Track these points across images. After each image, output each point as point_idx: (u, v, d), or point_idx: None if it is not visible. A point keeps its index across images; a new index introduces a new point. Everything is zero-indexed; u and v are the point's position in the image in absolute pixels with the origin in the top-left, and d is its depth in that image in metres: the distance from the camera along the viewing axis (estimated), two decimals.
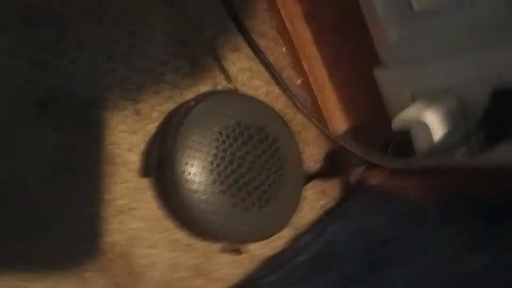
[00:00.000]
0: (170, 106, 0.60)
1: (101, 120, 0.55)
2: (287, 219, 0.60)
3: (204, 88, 0.63)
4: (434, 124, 0.58)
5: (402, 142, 0.60)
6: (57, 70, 0.53)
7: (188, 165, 0.53)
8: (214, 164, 0.54)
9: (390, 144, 0.60)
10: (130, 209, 0.55)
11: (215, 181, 0.54)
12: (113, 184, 0.55)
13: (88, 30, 0.56)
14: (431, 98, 0.60)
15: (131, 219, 0.55)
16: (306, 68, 0.71)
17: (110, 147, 0.55)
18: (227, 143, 0.55)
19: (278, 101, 0.69)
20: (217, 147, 0.54)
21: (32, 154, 0.50)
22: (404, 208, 0.67)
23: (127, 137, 0.56)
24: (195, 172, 0.53)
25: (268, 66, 0.57)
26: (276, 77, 0.57)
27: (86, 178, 0.53)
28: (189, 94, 0.62)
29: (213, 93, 0.60)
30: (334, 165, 0.73)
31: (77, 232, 0.52)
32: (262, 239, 0.61)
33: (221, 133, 0.55)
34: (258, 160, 0.57)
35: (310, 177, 0.65)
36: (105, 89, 0.56)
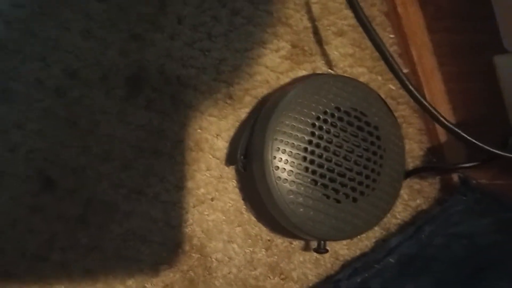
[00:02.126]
0: (264, 90, 0.52)
1: (192, 102, 0.48)
2: (382, 216, 0.49)
3: (302, 73, 0.54)
4: None
5: None
6: (154, 46, 0.46)
7: (280, 151, 0.44)
8: (308, 151, 0.45)
9: (511, 137, 0.48)
10: (212, 198, 0.48)
11: (307, 169, 0.45)
12: (196, 171, 0.47)
13: (190, 4, 0.48)
14: None
15: (211, 209, 0.48)
16: (415, 57, 0.59)
17: (198, 131, 0.48)
18: (324, 128, 0.45)
19: (380, 90, 0.58)
20: (312, 133, 0.45)
21: (118, 132, 0.44)
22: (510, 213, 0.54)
23: (217, 121, 0.48)
24: (286, 159, 0.44)
25: (378, 44, 0.46)
26: (387, 56, 0.46)
27: (169, 162, 0.46)
28: (286, 79, 0.53)
29: (312, 76, 0.51)
30: (435, 162, 0.61)
31: (154, 221, 0.45)
32: (351, 237, 0.51)
33: (318, 118, 0.45)
34: (356, 149, 0.47)
35: (412, 171, 0.54)
36: (199, 69, 0.48)
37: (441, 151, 0.61)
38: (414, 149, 0.60)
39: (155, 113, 0.46)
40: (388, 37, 0.60)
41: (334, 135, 0.46)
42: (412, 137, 0.60)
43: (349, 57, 0.57)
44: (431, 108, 0.46)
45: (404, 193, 0.59)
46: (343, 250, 0.55)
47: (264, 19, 0.52)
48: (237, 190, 0.49)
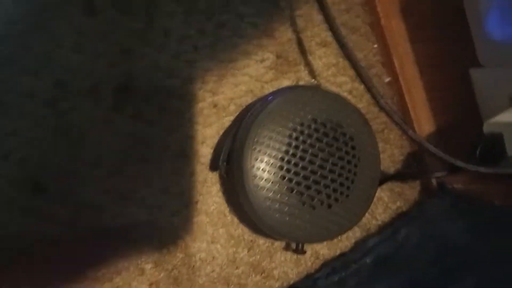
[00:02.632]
0: (248, 99, 0.53)
1: (178, 111, 0.49)
2: (356, 221, 0.51)
3: (286, 82, 0.55)
4: None
5: (493, 146, 0.48)
6: (142, 58, 0.48)
7: (258, 160, 0.45)
8: (285, 160, 0.46)
9: (479, 147, 0.49)
10: (197, 202, 0.50)
11: (284, 178, 0.46)
12: (182, 176, 0.49)
13: (177, 19, 0.50)
14: None
15: (196, 212, 0.49)
16: (397, 66, 0.60)
17: (184, 138, 0.49)
18: (300, 139, 0.47)
19: (363, 98, 0.59)
20: (289, 143, 0.46)
21: (106, 140, 0.46)
22: (487, 214, 0.55)
23: (202, 129, 0.50)
24: (264, 167, 0.45)
25: (351, 57, 0.47)
26: (360, 72, 0.47)
27: (156, 168, 0.48)
28: (270, 88, 0.54)
29: (292, 88, 0.52)
30: (415, 167, 0.62)
31: (140, 223, 0.47)
32: (326, 240, 0.53)
33: (295, 129, 0.47)
34: (331, 158, 0.48)
35: (386, 178, 0.55)
36: (186, 79, 0.50)
37: (421, 155, 0.62)
38: (395, 154, 0.61)
39: (142, 122, 0.48)
40: (371, 47, 0.61)
41: (310, 145, 0.47)
42: (394, 142, 0.61)
43: (332, 66, 0.58)
44: (398, 120, 0.46)
45: (384, 195, 0.61)
46: (323, 249, 0.56)
47: (249, 31, 0.53)
48: (220, 194, 0.51)
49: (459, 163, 0.45)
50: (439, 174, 0.53)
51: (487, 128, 0.50)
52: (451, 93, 0.60)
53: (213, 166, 0.50)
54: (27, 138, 0.43)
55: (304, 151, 0.47)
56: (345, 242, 0.57)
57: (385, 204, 0.60)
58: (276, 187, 0.46)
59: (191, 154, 0.49)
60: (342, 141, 0.49)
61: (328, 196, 0.48)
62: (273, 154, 0.46)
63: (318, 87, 0.56)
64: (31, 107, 0.44)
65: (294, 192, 0.46)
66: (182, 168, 0.49)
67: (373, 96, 0.47)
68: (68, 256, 0.44)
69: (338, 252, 0.57)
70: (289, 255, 0.54)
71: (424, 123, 0.61)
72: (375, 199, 0.59)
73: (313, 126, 0.48)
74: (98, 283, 0.45)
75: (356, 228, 0.58)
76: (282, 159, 0.46)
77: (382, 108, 0.47)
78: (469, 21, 0.52)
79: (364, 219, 0.58)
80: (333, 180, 0.48)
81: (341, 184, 0.48)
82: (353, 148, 0.49)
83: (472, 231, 0.51)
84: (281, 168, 0.46)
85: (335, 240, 0.56)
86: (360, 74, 0.47)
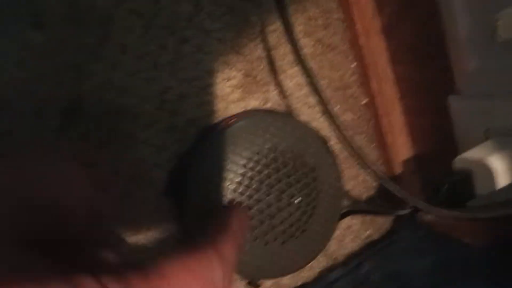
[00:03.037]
0: (211, 120, 0.50)
1: (131, 132, 0.46)
2: (312, 257, 0.48)
3: (253, 103, 0.52)
4: (500, 171, 0.44)
5: (461, 184, 0.46)
6: (93, 76, 0.45)
7: (209, 190, 0.43)
8: (237, 192, 0.44)
9: (445, 185, 0.46)
10: (148, 229, 0.47)
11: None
12: (134, 201, 0.46)
13: (136, 34, 0.47)
14: (506, 139, 0.45)
15: (145, 240, 0.47)
16: (374, 88, 0.57)
17: (137, 162, 0.47)
18: (255, 169, 0.44)
19: (337, 119, 0.56)
20: (242, 174, 0.44)
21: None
22: (453, 253, 0.53)
23: (157, 152, 0.47)
24: (214, 198, 0.43)
25: (314, 85, 0.44)
26: (324, 104, 0.45)
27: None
28: (236, 109, 0.51)
29: (253, 113, 0.49)
30: (388, 194, 0.59)
31: None
32: (278, 276, 0.50)
33: (250, 159, 0.44)
34: (289, 190, 0.45)
35: (350, 211, 0.53)
36: (142, 99, 0.47)
37: (397, 181, 0.59)
38: (368, 180, 0.59)
39: (90, 144, 0.45)
40: (349, 67, 0.57)
41: (267, 176, 0.45)
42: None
43: (305, 86, 0.55)
44: (357, 157, 0.44)
45: (355, 223, 0.58)
46: (284, 280, 0.54)
47: (216, 47, 0.50)
48: (175, 221, 0.48)
49: (421, 204, 0.42)
50: (402, 213, 0.50)
51: (458, 163, 0.47)
52: (431, 119, 0.57)
53: (168, 192, 0.48)
54: None
55: (260, 182, 0.44)
56: (308, 272, 0.55)
57: (355, 232, 0.58)
58: None
59: (145, 179, 0.47)
60: (302, 172, 0.46)
61: (283, 231, 0.45)
62: (226, 185, 0.43)
63: (286, 111, 0.53)
64: None
65: None
66: (134, 193, 0.47)
67: (334, 124, 0.44)
68: None
69: (300, 282, 0.54)
70: (247, 286, 0.52)
71: (401, 148, 0.58)
72: (344, 227, 0.57)
73: (271, 155, 0.45)
74: None
75: (321, 258, 0.56)
76: (234, 190, 0.43)
77: (342, 137, 0.44)
78: (448, 46, 0.49)
79: (331, 248, 0.56)
80: (290, 214, 0.46)
81: (298, 219, 0.46)
82: (313, 179, 0.47)
83: (437, 271, 0.48)
84: (232, 201, 0.43)
85: (298, 271, 0.54)
86: (323, 103, 0.44)
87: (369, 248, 0.56)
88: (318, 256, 0.55)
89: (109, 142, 0.46)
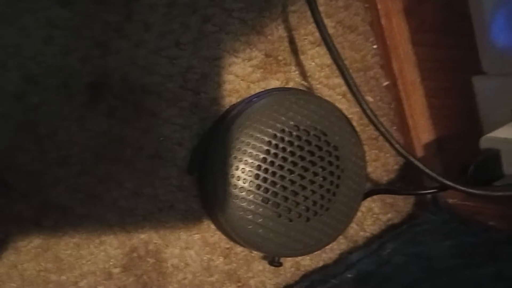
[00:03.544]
0: (233, 99, 0.50)
1: (155, 110, 0.47)
2: (335, 236, 0.48)
3: (274, 83, 0.52)
4: None
5: (488, 164, 0.45)
6: (118, 53, 0.46)
7: (233, 167, 0.43)
8: (262, 169, 0.44)
9: (471, 165, 0.46)
10: (171, 206, 0.48)
11: (260, 187, 0.44)
12: (157, 179, 0.47)
13: (159, 12, 0.47)
14: None
15: (170, 217, 0.47)
16: (396, 70, 0.57)
17: (161, 139, 0.47)
18: (279, 146, 0.44)
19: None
20: (267, 151, 0.44)
21: (77, 138, 0.44)
22: (477, 236, 0.52)
23: (180, 130, 0.48)
24: (239, 175, 0.43)
25: (336, 60, 0.44)
26: (345, 76, 0.44)
27: (129, 169, 0.46)
28: (257, 89, 0.51)
29: (275, 91, 0.49)
30: (409, 178, 0.59)
31: (109, 225, 0.45)
32: (301, 254, 0.50)
33: (274, 136, 0.44)
34: (313, 168, 0.45)
35: (371, 192, 0.52)
36: (165, 77, 0.47)
37: (416, 167, 0.59)
38: (389, 162, 0.59)
39: (116, 120, 0.46)
40: (370, 48, 0.57)
41: (291, 154, 0.45)
42: (388, 150, 0.58)
43: (326, 67, 0.55)
44: (385, 132, 0.43)
45: (375, 206, 0.58)
46: (305, 261, 0.54)
47: (237, 27, 0.51)
48: (197, 199, 0.49)
49: (448, 182, 0.42)
50: (427, 191, 0.50)
51: (484, 143, 0.47)
52: (453, 101, 0.56)
53: (191, 170, 0.48)
54: None
55: (284, 159, 0.44)
56: (329, 253, 0.55)
57: (375, 215, 0.58)
58: (251, 196, 0.43)
59: (167, 156, 0.47)
60: (326, 150, 0.46)
61: (307, 209, 0.45)
62: (250, 162, 0.43)
63: (308, 90, 0.53)
64: None
65: (270, 203, 0.44)
66: (156, 170, 0.47)
67: (358, 102, 0.44)
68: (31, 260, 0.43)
69: (320, 264, 0.54)
70: (268, 264, 0.52)
71: (423, 131, 0.58)
72: (364, 210, 0.57)
73: (294, 133, 0.45)
74: (62, 287, 0.44)
75: (342, 240, 0.56)
76: (259, 167, 0.44)
77: (366, 116, 0.44)
78: (474, 25, 0.49)
79: (351, 231, 0.56)
80: (313, 192, 0.45)
81: (322, 197, 0.46)
82: (337, 158, 0.47)
83: (460, 254, 0.48)
84: (257, 177, 0.44)
85: (319, 252, 0.54)
86: (346, 80, 0.44)
87: (390, 231, 0.56)
88: (339, 238, 0.55)
89: (134, 119, 0.46)
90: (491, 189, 0.42)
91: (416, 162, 0.43)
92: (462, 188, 0.41)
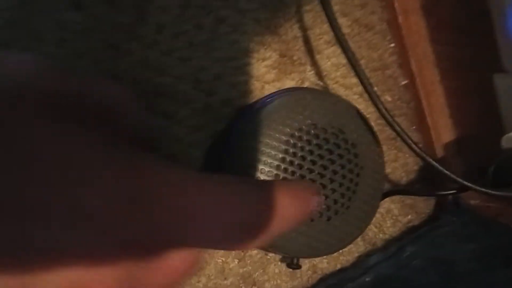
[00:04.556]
0: (247, 100, 0.50)
1: (167, 111, 0.47)
2: (357, 235, 0.47)
3: (289, 83, 0.52)
4: None
5: (509, 164, 0.44)
6: (129, 55, 0.46)
7: (251, 168, 0.43)
8: (281, 168, 0.43)
9: (492, 165, 0.44)
10: None
11: None
12: None
13: (172, 13, 0.47)
14: None
15: None
16: (414, 68, 0.56)
17: (173, 141, 0.47)
18: (298, 145, 0.43)
19: None
20: (285, 150, 0.43)
21: None
22: (499, 240, 0.51)
23: (192, 132, 0.47)
24: (258, 176, 0.43)
25: (350, 57, 0.43)
26: (360, 76, 0.44)
27: None
28: (272, 89, 0.51)
29: (291, 90, 0.48)
30: (428, 179, 0.58)
31: None
32: (323, 254, 0.49)
33: (292, 135, 0.43)
34: (331, 166, 0.44)
35: (391, 192, 0.51)
36: (177, 78, 0.47)
37: (435, 168, 0.57)
38: (409, 163, 0.57)
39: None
40: (388, 47, 0.56)
41: (309, 152, 0.44)
42: (408, 151, 0.57)
43: (342, 67, 0.54)
44: (402, 132, 0.42)
45: (394, 207, 0.57)
46: (322, 263, 0.53)
47: (251, 27, 0.50)
48: None
49: (467, 183, 0.41)
50: (447, 193, 0.48)
51: (506, 143, 0.45)
52: (474, 100, 0.55)
53: (205, 172, 0.47)
54: None
55: (302, 158, 0.44)
56: (347, 256, 0.54)
57: (395, 217, 0.56)
58: None
59: (181, 158, 0.47)
60: (344, 147, 0.45)
61: (328, 208, 0.44)
62: (269, 162, 0.43)
63: (324, 89, 0.53)
64: None
65: None
66: None
67: (374, 102, 0.43)
68: None
69: (338, 267, 0.53)
70: (283, 267, 0.51)
71: (443, 131, 0.57)
72: (383, 212, 0.56)
73: (312, 131, 0.44)
74: None
75: (360, 242, 0.54)
76: (278, 167, 0.43)
77: (382, 116, 0.43)
78: (493, 22, 0.48)
79: (370, 233, 0.55)
80: (333, 190, 0.45)
81: (342, 195, 0.45)
82: (355, 155, 0.46)
83: (481, 258, 0.46)
84: (277, 176, 0.43)
85: (336, 254, 0.53)
86: (361, 79, 0.43)
87: (410, 233, 0.55)
88: (357, 241, 0.54)
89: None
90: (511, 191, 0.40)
91: (434, 163, 0.42)
92: (482, 189, 0.40)
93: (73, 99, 0.24)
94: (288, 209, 0.27)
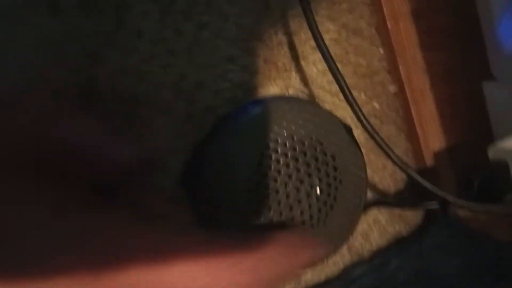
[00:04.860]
0: (229, 108, 0.49)
1: (147, 119, 0.46)
2: (333, 251, 0.46)
3: (273, 89, 0.51)
4: None
5: (496, 176, 0.43)
6: (108, 63, 0.45)
7: (224, 180, 0.42)
8: (253, 182, 0.42)
9: (478, 178, 0.43)
10: (162, 219, 0.46)
11: (252, 201, 0.42)
12: (147, 191, 0.46)
13: (152, 19, 0.46)
14: None
15: (163, 227, 0.46)
16: (403, 75, 0.54)
17: (152, 151, 0.46)
18: (272, 158, 0.43)
19: (364, 108, 0.53)
20: (259, 163, 0.42)
21: None
22: (488, 252, 0.49)
23: (173, 140, 0.46)
24: (234, 188, 0.42)
25: (335, 74, 0.42)
26: (340, 85, 0.42)
27: None
28: (254, 97, 0.50)
29: (269, 99, 0.47)
30: (415, 189, 0.56)
31: None
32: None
33: (267, 147, 0.43)
34: (309, 179, 0.44)
35: (375, 203, 0.50)
36: (158, 86, 0.46)
37: (428, 174, 0.56)
38: (397, 172, 0.56)
39: (107, 130, 0.45)
40: (377, 52, 0.55)
41: (285, 165, 0.43)
42: None
43: (328, 73, 0.52)
44: (383, 146, 0.41)
45: (382, 218, 0.56)
46: (306, 275, 0.52)
47: (234, 33, 0.49)
48: (191, 210, 0.47)
49: (450, 198, 0.40)
50: (430, 206, 0.47)
51: (492, 153, 0.44)
52: (464, 108, 0.54)
53: (184, 181, 0.47)
54: None
55: (278, 171, 0.43)
56: (332, 267, 0.53)
57: (382, 227, 0.55)
58: (243, 211, 0.42)
59: (160, 167, 0.46)
60: (322, 160, 0.44)
61: (303, 223, 0.44)
62: (245, 173, 0.42)
63: (306, 97, 0.51)
64: None
65: (262, 217, 0.42)
66: (148, 181, 0.46)
67: (356, 114, 0.42)
68: None
69: (323, 278, 0.52)
70: None
71: (432, 139, 0.55)
72: (371, 222, 0.55)
73: (288, 143, 0.43)
74: None
75: (346, 253, 0.53)
76: (249, 180, 0.42)
77: (363, 126, 0.42)
78: (482, 29, 0.46)
79: (356, 243, 0.54)
80: (309, 205, 0.44)
81: (319, 210, 0.44)
82: (334, 168, 0.45)
83: (469, 272, 0.45)
84: (250, 191, 0.42)
85: (320, 266, 0.52)
86: (342, 88, 0.42)
87: (397, 245, 0.54)
88: (343, 251, 0.53)
89: (125, 129, 0.45)
90: (494, 205, 0.39)
91: (415, 175, 0.41)
92: (463, 204, 0.39)
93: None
94: (279, 266, 0.26)
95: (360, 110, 0.42)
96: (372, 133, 0.42)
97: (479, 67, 0.49)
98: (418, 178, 0.42)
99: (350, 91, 0.42)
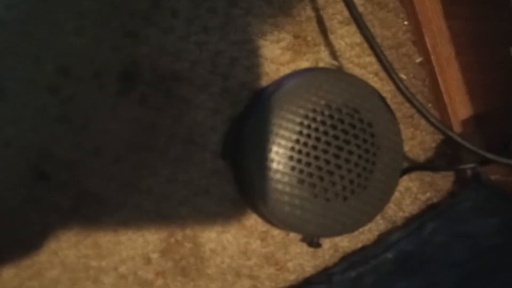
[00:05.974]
0: (263, 82, 0.50)
1: (186, 96, 0.47)
2: (374, 215, 0.47)
3: (305, 64, 0.52)
4: None
5: None
6: (147, 41, 0.46)
7: (266, 150, 0.43)
8: (295, 150, 0.43)
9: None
10: (206, 192, 0.48)
11: (294, 169, 0.43)
12: (190, 164, 0.47)
13: None
14: None
15: (205, 201, 0.48)
16: (429, 45, 0.55)
17: (193, 125, 0.47)
18: (312, 126, 0.43)
19: (390, 80, 0.55)
20: (299, 132, 0.43)
21: (110, 127, 0.45)
22: None
23: (211, 115, 0.48)
24: (272, 158, 0.43)
25: (371, 43, 0.43)
26: (375, 51, 0.43)
27: (163, 156, 0.46)
28: (287, 71, 0.51)
29: (305, 71, 0.48)
30: (447, 156, 0.57)
31: (146, 211, 0.46)
32: (340, 234, 0.50)
33: (306, 116, 0.43)
34: (347, 146, 0.44)
35: (409, 168, 0.51)
36: (194, 63, 0.48)
37: (456, 142, 0.57)
38: (426, 141, 0.57)
39: (148, 108, 0.46)
40: (402, 24, 0.56)
41: (324, 133, 0.44)
42: (425, 128, 0.57)
43: (356, 46, 0.54)
44: (421, 108, 0.42)
45: (413, 185, 0.57)
46: (343, 242, 0.53)
47: (264, 9, 0.50)
48: (232, 183, 0.49)
49: (489, 156, 0.41)
50: (468, 166, 0.48)
51: None
52: (491, 75, 0.54)
53: (224, 155, 0.48)
54: (29, 126, 0.43)
55: (317, 139, 0.44)
56: (367, 234, 0.54)
57: (414, 195, 0.56)
58: (286, 178, 0.43)
59: (200, 141, 0.48)
60: (359, 127, 0.45)
61: (344, 188, 0.45)
62: (283, 144, 0.43)
63: (338, 69, 0.53)
64: (33, 94, 0.43)
65: (306, 184, 0.43)
66: (190, 156, 0.47)
67: (392, 79, 0.43)
68: (71, 247, 0.44)
69: (359, 245, 0.53)
70: (305, 246, 0.51)
71: (459, 107, 0.56)
72: (402, 189, 0.56)
73: (326, 112, 0.44)
74: (102, 272, 0.45)
75: (380, 220, 0.55)
76: (292, 148, 0.43)
77: (401, 93, 0.43)
78: None
79: (389, 211, 0.55)
80: (349, 171, 0.45)
81: (358, 175, 0.45)
82: (371, 135, 0.46)
83: (505, 232, 0.46)
84: (291, 158, 0.43)
85: (357, 233, 0.53)
86: (377, 54, 0.43)
87: (430, 210, 0.55)
88: (377, 219, 0.54)
89: (166, 106, 0.46)
90: None
91: (455, 136, 0.42)
92: (505, 161, 0.39)
93: None
94: None
95: (397, 75, 0.43)
96: (410, 98, 0.43)
97: (505, 34, 0.50)
98: (458, 138, 0.43)
99: (386, 57, 0.43)
